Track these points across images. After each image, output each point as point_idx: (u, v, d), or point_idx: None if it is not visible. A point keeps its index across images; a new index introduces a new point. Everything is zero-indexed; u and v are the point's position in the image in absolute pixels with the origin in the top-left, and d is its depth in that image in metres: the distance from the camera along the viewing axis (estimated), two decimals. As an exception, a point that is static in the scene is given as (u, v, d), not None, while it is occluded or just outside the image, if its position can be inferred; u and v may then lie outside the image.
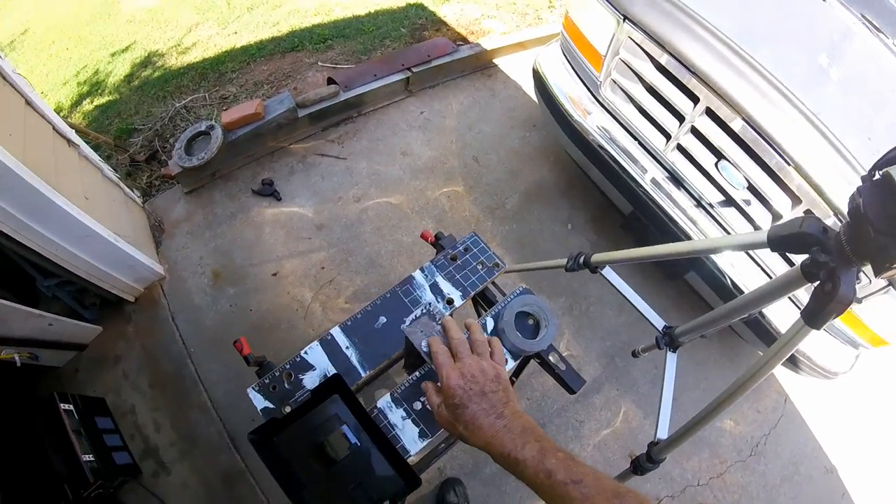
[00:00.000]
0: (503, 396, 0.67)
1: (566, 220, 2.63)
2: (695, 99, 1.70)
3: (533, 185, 2.72)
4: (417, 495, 1.85)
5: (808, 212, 1.63)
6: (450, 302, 1.18)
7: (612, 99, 1.94)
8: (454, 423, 0.66)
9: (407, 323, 1.00)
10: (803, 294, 1.69)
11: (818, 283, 0.78)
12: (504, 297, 1.21)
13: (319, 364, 1.10)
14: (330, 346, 1.12)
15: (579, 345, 2.29)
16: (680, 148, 1.81)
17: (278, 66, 3.09)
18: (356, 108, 2.82)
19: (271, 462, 0.86)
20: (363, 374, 1.09)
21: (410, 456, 1.00)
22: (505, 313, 1.10)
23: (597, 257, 1.26)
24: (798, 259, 1.68)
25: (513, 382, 1.41)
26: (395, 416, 1.04)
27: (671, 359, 1.30)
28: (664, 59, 1.71)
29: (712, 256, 1.84)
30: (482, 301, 1.28)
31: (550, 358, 1.13)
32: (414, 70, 2.94)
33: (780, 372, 2.48)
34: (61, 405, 1.58)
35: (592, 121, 2.01)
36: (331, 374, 1.07)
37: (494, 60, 3.31)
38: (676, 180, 1.90)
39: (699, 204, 1.87)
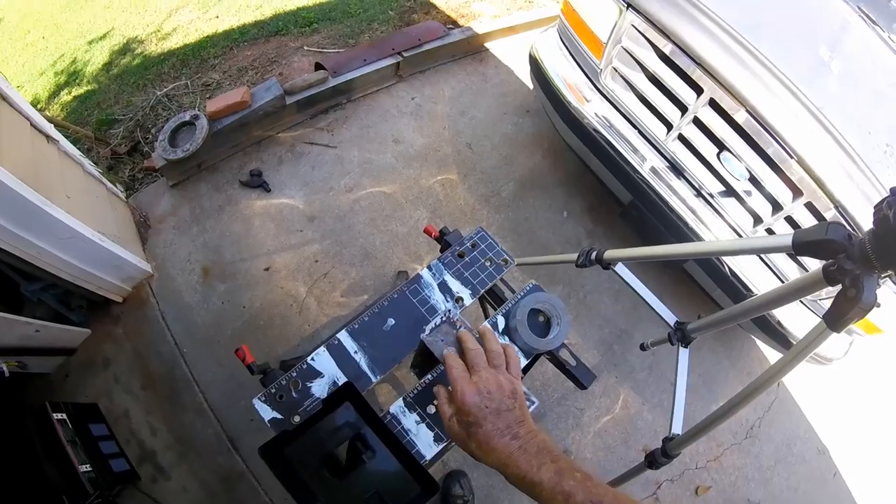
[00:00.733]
0: (519, 415, 0.64)
1: (562, 208, 2.60)
2: (698, 90, 1.68)
3: (528, 173, 2.68)
4: (422, 490, 1.84)
5: (808, 204, 1.64)
6: (459, 300, 1.15)
7: (612, 87, 1.91)
8: (466, 440, 0.65)
9: (426, 332, 0.97)
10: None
11: (841, 288, 0.78)
12: (514, 294, 1.18)
13: (328, 371, 1.06)
14: (337, 352, 1.08)
15: (577, 333, 2.29)
16: (681, 138, 1.80)
17: (262, 51, 2.98)
18: (345, 94, 2.74)
19: (283, 475, 0.82)
20: (374, 380, 1.06)
21: (426, 461, 0.98)
22: (517, 312, 1.08)
23: (610, 254, 1.24)
24: (808, 261, 1.71)
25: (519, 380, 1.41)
26: (409, 420, 1.01)
27: (683, 354, 1.29)
28: (668, 48, 1.69)
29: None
30: (491, 299, 1.25)
31: (561, 354, 1.11)
32: (405, 55, 2.86)
33: (774, 357, 2.51)
34: (54, 415, 1.53)
35: (591, 108, 1.98)
36: (340, 380, 1.03)
37: (486, 45, 3.24)
38: (676, 170, 1.89)
39: (699, 194, 1.86)
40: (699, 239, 1.81)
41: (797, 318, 1.85)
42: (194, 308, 2.08)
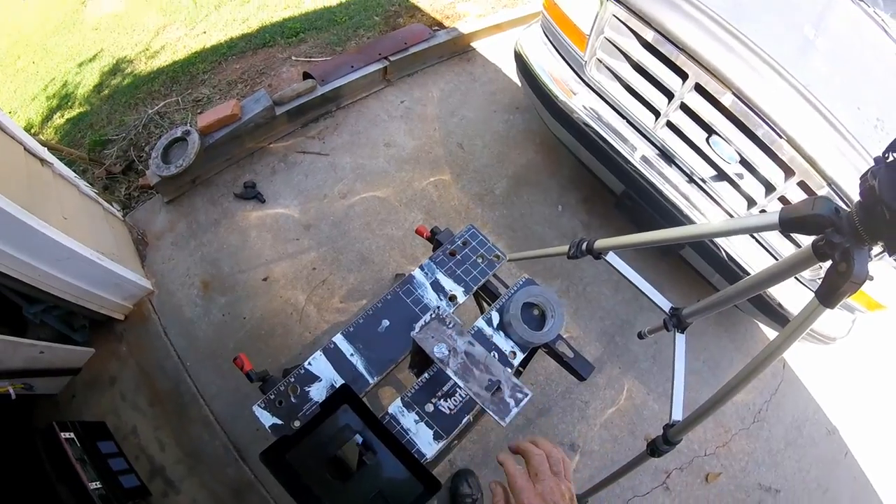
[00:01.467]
0: None
1: (556, 202, 2.60)
2: (683, 75, 1.68)
3: (520, 169, 2.69)
4: (430, 490, 1.85)
5: (801, 183, 1.64)
6: (452, 298, 1.17)
7: (598, 78, 1.91)
8: None
9: (416, 329, 0.98)
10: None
11: (831, 263, 0.77)
12: (507, 289, 1.19)
13: (325, 374, 1.07)
14: (334, 355, 1.10)
15: (578, 326, 2.28)
16: (670, 125, 1.80)
17: (251, 64, 3.00)
18: (335, 101, 2.75)
19: (286, 480, 0.84)
20: (371, 381, 1.08)
21: (427, 459, 0.99)
22: (511, 306, 1.09)
23: (600, 243, 1.24)
24: (803, 238, 1.70)
25: (520, 373, 1.42)
26: (408, 420, 1.02)
27: (680, 340, 1.29)
28: (651, 36, 1.69)
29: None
30: (484, 295, 1.26)
31: (558, 347, 1.13)
32: (391, 59, 2.87)
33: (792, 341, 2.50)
34: (62, 434, 1.54)
35: (578, 101, 1.98)
36: (338, 384, 1.05)
37: (472, 44, 3.25)
38: (667, 157, 1.89)
39: (691, 180, 1.86)
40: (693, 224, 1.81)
41: (797, 298, 1.85)
42: (196, 322, 2.09)
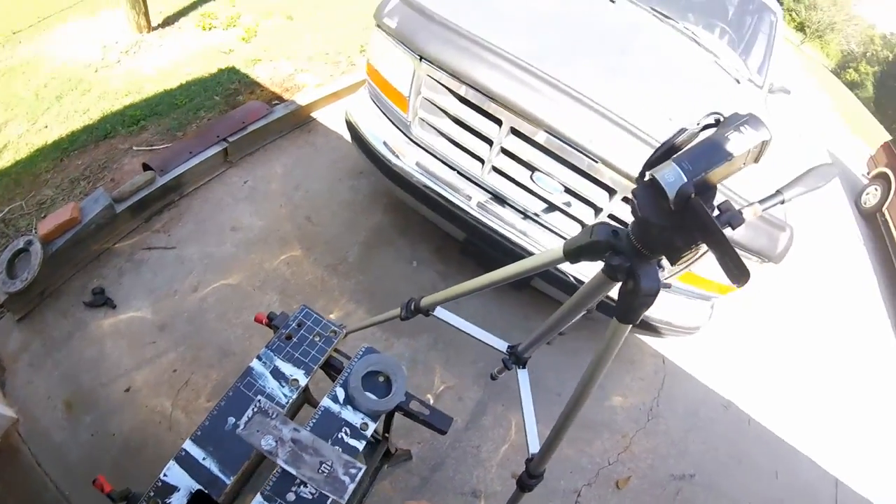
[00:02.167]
0: None
1: (410, 259, 2.65)
2: (499, 122, 1.79)
3: (371, 233, 2.71)
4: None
5: (626, 199, 1.76)
6: (294, 383, 1.13)
7: (423, 136, 2.00)
8: None
9: (242, 426, 0.91)
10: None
11: (621, 283, 0.83)
12: (349, 360, 1.17)
13: (182, 483, 1.01)
14: (187, 462, 1.04)
15: (453, 375, 2.29)
16: (496, 169, 1.91)
17: (93, 158, 2.79)
18: (177, 190, 2.62)
19: None
20: (228, 482, 1.01)
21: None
22: (351, 379, 1.08)
23: (426, 301, 1.27)
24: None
25: (387, 439, 1.38)
26: (272, 516, 0.94)
27: (522, 375, 1.34)
28: (463, 90, 1.80)
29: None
30: (330, 370, 1.23)
31: (412, 407, 1.14)
32: (230, 140, 2.81)
33: (649, 338, 2.70)
34: None
35: (410, 160, 2.04)
36: (195, 490, 1.00)
37: (312, 114, 3.28)
38: (499, 200, 1.99)
39: (526, 216, 1.97)
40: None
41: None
42: (66, 446, 1.85)
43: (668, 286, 0.95)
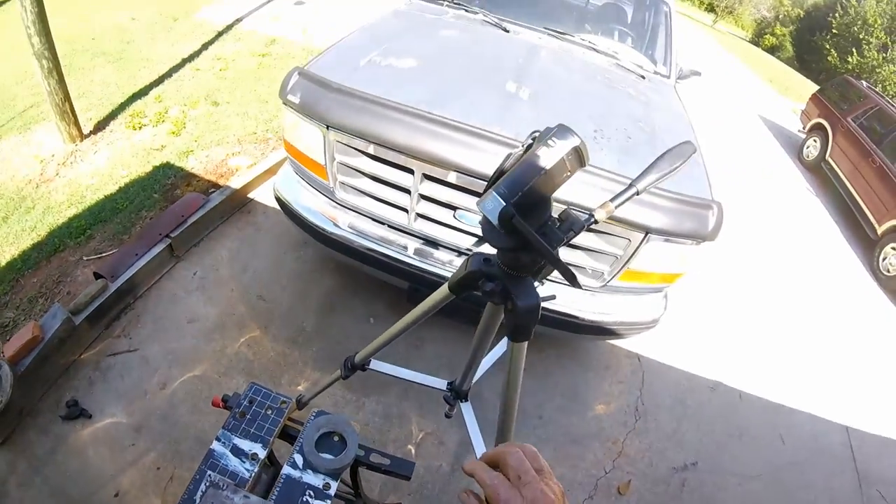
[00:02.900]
0: None
1: (366, 317, 2.68)
2: (411, 171, 1.86)
3: (324, 298, 2.75)
4: None
5: None
6: (254, 457, 1.16)
7: (347, 198, 2.05)
8: None
9: (197, 501, 0.94)
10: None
11: (503, 305, 0.88)
12: (303, 427, 1.20)
13: None
14: None
15: (430, 421, 2.30)
16: (421, 215, 1.97)
17: (47, 275, 2.81)
18: (131, 292, 2.64)
19: None
20: None
21: None
22: (305, 445, 1.11)
23: (359, 356, 1.31)
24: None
25: (360, 496, 1.38)
26: None
27: (466, 408, 1.37)
28: (371, 148, 1.87)
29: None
30: (288, 439, 1.26)
31: (372, 459, 1.16)
32: (173, 235, 2.84)
33: (618, 340, 2.73)
34: None
35: (343, 223, 2.09)
36: None
37: (249, 195, 3.34)
38: (432, 243, 2.05)
39: (461, 253, 2.03)
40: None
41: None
42: None
43: (552, 297, 0.98)
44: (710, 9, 27.27)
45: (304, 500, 1.01)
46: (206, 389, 2.30)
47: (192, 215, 2.97)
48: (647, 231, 1.80)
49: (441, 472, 2.11)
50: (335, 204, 2.13)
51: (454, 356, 2.54)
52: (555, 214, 0.77)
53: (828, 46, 18.92)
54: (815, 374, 3.20)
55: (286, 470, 1.10)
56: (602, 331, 2.10)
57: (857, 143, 6.17)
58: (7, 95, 4.87)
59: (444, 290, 0.93)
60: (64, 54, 4.18)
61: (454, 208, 1.91)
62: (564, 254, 1.95)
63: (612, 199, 0.82)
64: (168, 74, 4.88)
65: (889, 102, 6.47)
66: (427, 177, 1.86)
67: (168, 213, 3.01)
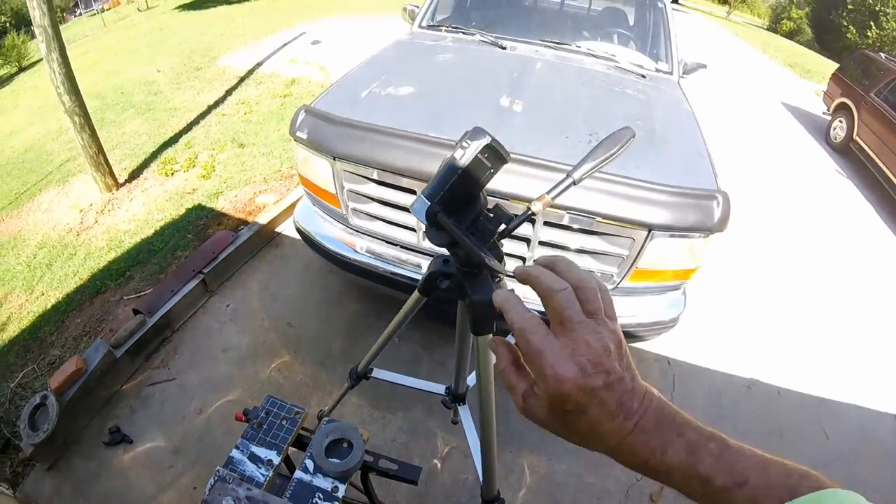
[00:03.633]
0: (629, 383, 0.44)
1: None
2: (414, 192, 1.94)
3: (350, 323, 2.86)
4: None
5: (546, 223, 1.88)
6: (269, 463, 1.25)
7: (361, 224, 2.16)
8: (558, 428, 0.45)
9: (206, 493, 1.03)
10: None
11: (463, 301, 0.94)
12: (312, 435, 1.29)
13: None
14: None
15: (454, 435, 2.30)
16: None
17: (90, 315, 3.03)
18: (168, 327, 2.82)
19: None
20: None
21: None
22: (315, 449, 1.20)
23: (361, 366, 1.39)
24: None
25: (373, 502, 1.45)
26: None
27: (464, 412, 1.41)
28: (375, 174, 1.97)
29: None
30: (301, 447, 1.36)
31: (380, 465, 1.25)
32: (205, 271, 3.02)
33: (642, 344, 2.68)
34: None
35: (360, 249, 2.19)
36: None
37: (277, 229, 3.51)
38: (443, 258, 2.13)
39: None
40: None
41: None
42: None
43: (510, 291, 1.02)
44: (724, 1, 26.83)
45: (314, 501, 1.10)
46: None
47: (223, 251, 3.14)
48: (650, 228, 1.82)
49: (467, 484, 2.14)
50: (351, 230, 2.24)
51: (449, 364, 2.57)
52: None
53: (845, 23, 18.36)
54: (859, 364, 3.04)
55: (298, 474, 1.21)
56: (623, 333, 2.10)
57: (883, 117, 5.95)
58: (44, 151, 5.29)
59: (416, 295, 1.01)
60: (95, 109, 4.54)
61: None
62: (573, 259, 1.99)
63: (548, 192, 0.81)
64: (196, 121, 5.19)
65: (911, 71, 6.25)
66: (430, 196, 1.94)
67: (200, 252, 3.20)
